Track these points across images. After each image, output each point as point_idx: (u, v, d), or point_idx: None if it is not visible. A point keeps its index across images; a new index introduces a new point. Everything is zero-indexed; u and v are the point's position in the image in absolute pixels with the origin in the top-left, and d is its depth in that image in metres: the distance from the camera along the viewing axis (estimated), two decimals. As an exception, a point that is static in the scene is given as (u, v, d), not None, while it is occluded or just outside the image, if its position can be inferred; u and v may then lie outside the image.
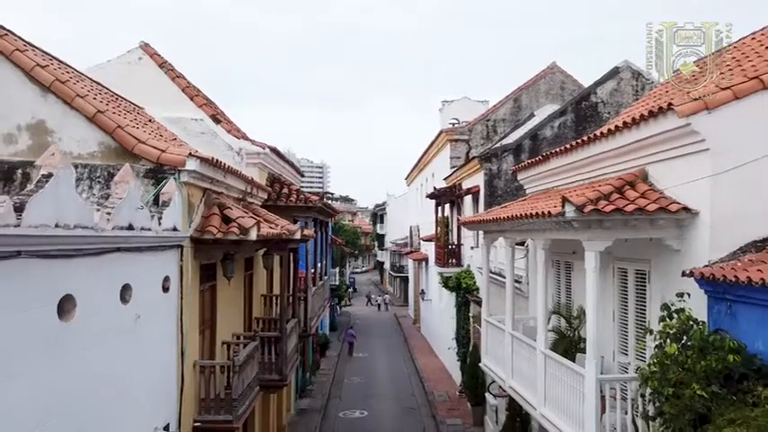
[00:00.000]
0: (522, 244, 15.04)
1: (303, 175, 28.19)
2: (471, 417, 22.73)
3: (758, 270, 6.52)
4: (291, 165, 21.93)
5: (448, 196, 27.09)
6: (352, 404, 25.78)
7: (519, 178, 15.34)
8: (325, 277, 28.36)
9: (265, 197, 15.92)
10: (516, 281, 14.67)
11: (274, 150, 17.65)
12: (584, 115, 22.09)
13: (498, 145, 24.50)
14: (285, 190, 17.38)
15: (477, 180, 22.65)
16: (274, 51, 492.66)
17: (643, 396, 7.46)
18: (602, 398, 8.53)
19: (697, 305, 7.51)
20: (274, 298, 16.66)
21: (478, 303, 18.85)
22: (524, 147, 21.88)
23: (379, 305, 60.33)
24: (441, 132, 30.85)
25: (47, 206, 5.40)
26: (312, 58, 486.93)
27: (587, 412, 8.42)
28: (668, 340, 7.12)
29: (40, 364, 5.58)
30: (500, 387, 15.09)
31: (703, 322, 7.19)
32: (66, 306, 5.94)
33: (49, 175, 5.57)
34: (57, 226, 5.58)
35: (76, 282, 6.12)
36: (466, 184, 24.70)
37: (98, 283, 6.64)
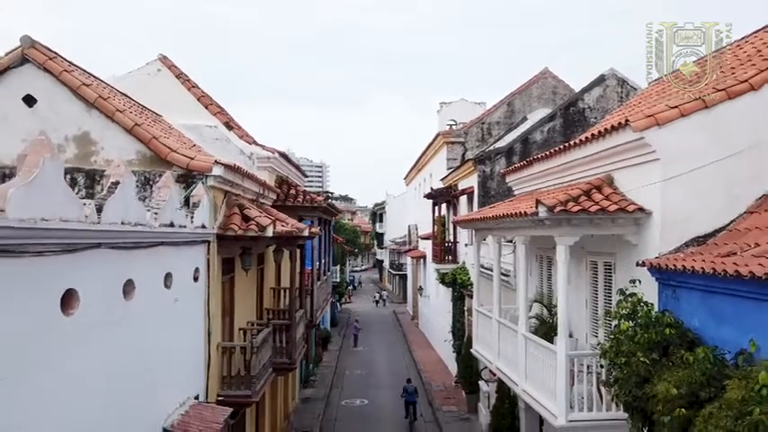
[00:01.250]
0: (511, 241, 16.43)
1: (306, 176, 29.57)
2: (466, 404, 24.12)
3: (693, 260, 7.92)
4: (297, 167, 23.34)
5: (444, 196, 28.45)
6: (354, 393, 27.19)
7: (507, 181, 16.73)
8: (328, 273, 29.75)
9: (275, 198, 17.31)
10: (505, 274, 16.09)
11: (283, 155, 19.05)
12: (572, 120, 23.45)
13: (492, 148, 25.86)
14: (292, 191, 18.78)
15: (472, 181, 24.01)
16: (274, 51, 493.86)
17: (602, 367, 8.87)
18: (573, 372, 9.92)
19: (650, 290, 8.90)
20: (282, 291, 18.04)
21: (472, 297, 20.23)
22: (516, 150, 23.24)
23: (376, 301, 62.24)
24: (438, 135, 32.19)
25: (117, 207, 6.80)
26: (312, 58, 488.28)
27: (559, 384, 9.80)
28: (622, 319, 8.51)
29: (110, 334, 6.95)
30: (490, 372, 16.50)
31: (652, 304, 8.57)
32: (127, 288, 7.33)
33: (117, 183, 6.96)
34: (122, 223, 6.96)
35: (134, 269, 7.50)
36: (461, 185, 26.06)
37: (149, 270, 8.04)
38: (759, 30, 11.73)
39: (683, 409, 6.57)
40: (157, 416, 8.46)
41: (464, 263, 26.01)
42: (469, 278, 24.33)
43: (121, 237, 6.99)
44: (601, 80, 23.61)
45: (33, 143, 5.22)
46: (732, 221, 8.83)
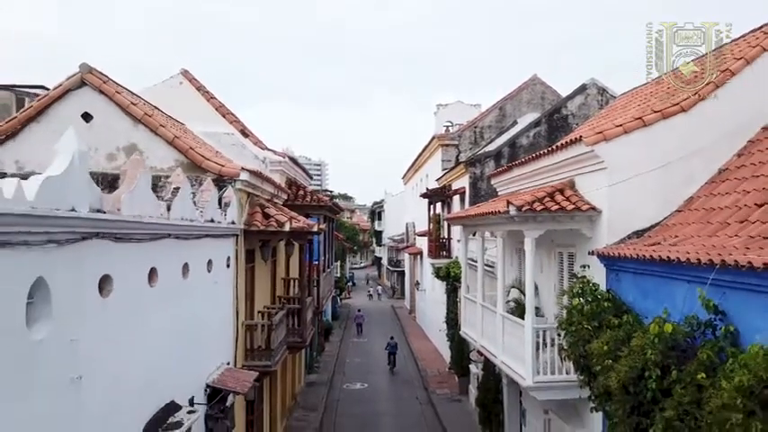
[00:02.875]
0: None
1: (312, 178, 31.65)
2: (458, 388, 26.30)
3: (628, 249, 10.01)
4: (303, 170, 25.45)
5: (439, 196, 30.49)
6: (355, 378, 29.37)
7: (492, 182, 18.83)
8: (331, 266, 31.87)
9: (285, 197, 19.40)
10: (489, 265, 18.19)
11: (292, 159, 21.13)
12: (556, 126, 25.48)
13: (482, 151, 27.94)
14: (301, 192, 20.91)
15: (464, 182, 26.08)
16: (274, 51, 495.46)
17: (559, 335, 10.97)
18: (538, 343, 12.00)
19: (600, 274, 10.99)
20: (292, 281, 20.17)
21: (463, 287, 22.27)
22: (504, 153, 25.30)
23: (371, 295, 64.72)
24: (433, 138, 34.27)
25: (178, 207, 8.88)
26: (312, 58, 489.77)
27: (527, 352, 11.89)
28: (574, 297, 10.61)
29: (174, 305, 9.04)
30: (477, 352, 18.61)
31: (598, 284, 10.66)
32: (184, 270, 9.42)
33: (178, 188, 9.05)
34: (182, 219, 9.05)
35: (189, 255, 9.59)
36: (455, 185, 28.12)
37: (198, 257, 10.13)
38: (735, 39, 13.21)
39: (609, 360, 8.67)
40: (202, 374, 10.57)
41: (457, 258, 28.02)
42: (462, 271, 26.41)
43: (182, 229, 9.08)
44: (582, 89, 25.67)
45: (132, 161, 7.29)
46: (665, 218, 10.92)
